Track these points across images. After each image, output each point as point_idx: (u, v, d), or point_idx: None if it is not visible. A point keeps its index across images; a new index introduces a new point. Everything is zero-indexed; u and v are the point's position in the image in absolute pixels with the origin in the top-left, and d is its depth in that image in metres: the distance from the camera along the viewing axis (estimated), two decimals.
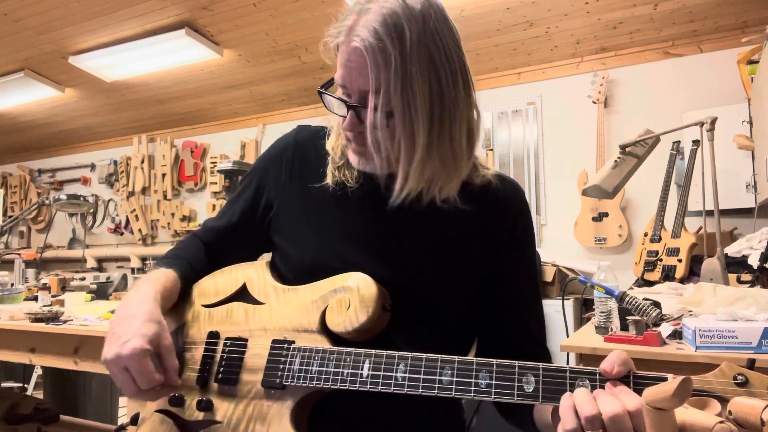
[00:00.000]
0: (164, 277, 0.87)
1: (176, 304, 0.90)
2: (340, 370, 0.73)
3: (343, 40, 0.78)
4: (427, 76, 0.76)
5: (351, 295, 0.78)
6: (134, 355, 0.72)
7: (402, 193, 0.80)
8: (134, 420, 0.88)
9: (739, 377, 0.53)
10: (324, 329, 0.79)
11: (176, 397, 0.83)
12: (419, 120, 0.76)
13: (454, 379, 0.66)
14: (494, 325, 0.91)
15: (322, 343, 0.78)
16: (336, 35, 0.80)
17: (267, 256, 1.01)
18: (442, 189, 0.82)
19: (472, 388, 0.65)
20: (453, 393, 0.66)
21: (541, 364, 0.63)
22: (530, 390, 0.62)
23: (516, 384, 0.63)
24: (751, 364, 0.54)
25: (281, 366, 0.78)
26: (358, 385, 0.71)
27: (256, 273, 0.90)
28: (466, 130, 0.82)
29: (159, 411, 0.85)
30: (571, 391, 0.61)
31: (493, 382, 0.64)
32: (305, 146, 0.96)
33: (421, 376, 0.68)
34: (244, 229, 0.98)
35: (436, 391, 0.67)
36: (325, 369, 0.74)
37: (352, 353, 0.73)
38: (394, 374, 0.69)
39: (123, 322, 0.76)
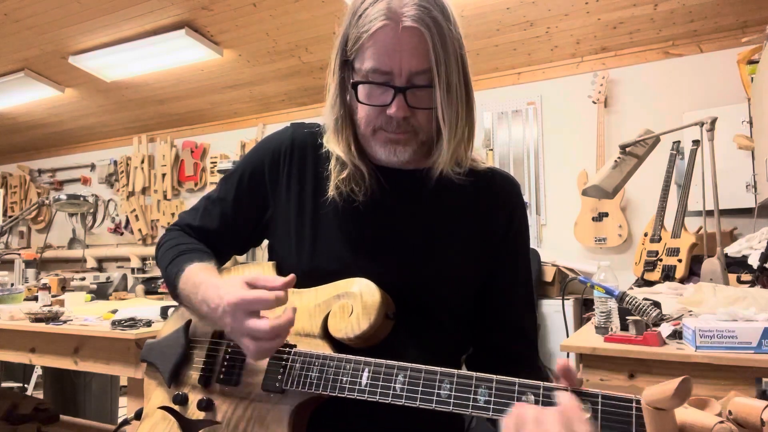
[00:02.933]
0: (214, 270, 0.86)
1: None
2: (339, 378, 0.73)
3: (385, 23, 0.76)
4: (462, 50, 0.82)
5: (354, 302, 0.77)
6: (236, 296, 0.70)
7: (438, 168, 0.84)
8: (138, 415, 0.88)
9: None
10: (326, 334, 0.79)
11: (179, 396, 0.83)
12: (467, 94, 0.82)
13: (453, 393, 0.66)
14: (488, 320, 0.91)
15: (324, 348, 0.77)
16: (371, 21, 0.77)
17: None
18: (458, 163, 0.86)
19: (470, 404, 0.65)
20: (451, 407, 0.65)
21: (542, 383, 0.62)
22: None
23: (515, 402, 0.62)
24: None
25: (281, 370, 0.77)
26: (356, 394, 0.71)
27: (262, 274, 0.90)
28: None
29: (161, 408, 0.85)
30: None
31: (492, 398, 0.64)
32: (303, 146, 0.93)
33: (420, 389, 0.67)
34: (236, 227, 0.95)
35: (433, 405, 0.67)
36: (324, 375, 0.74)
37: (351, 361, 0.73)
38: (392, 385, 0.69)
39: (207, 300, 0.76)
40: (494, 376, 0.65)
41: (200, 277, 0.81)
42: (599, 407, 0.59)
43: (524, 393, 0.62)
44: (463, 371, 0.67)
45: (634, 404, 0.57)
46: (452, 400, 0.65)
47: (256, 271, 0.91)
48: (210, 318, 0.77)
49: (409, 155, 0.83)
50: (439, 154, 0.83)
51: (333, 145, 0.88)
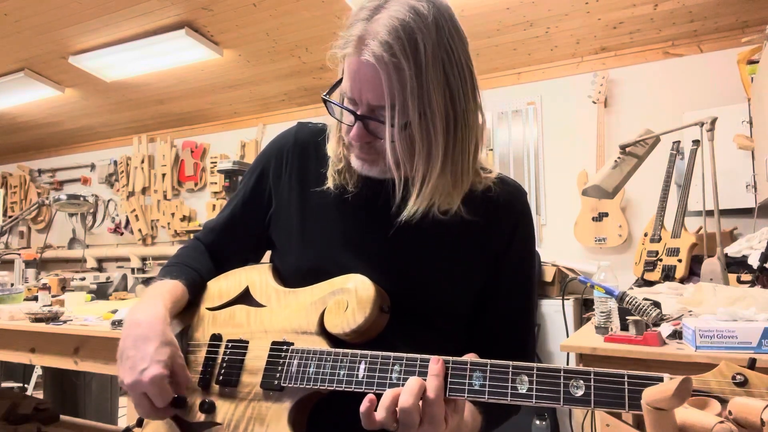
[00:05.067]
0: (172, 289, 0.86)
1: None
2: (337, 371, 0.73)
3: (352, 51, 0.75)
4: (442, 91, 0.74)
5: (349, 297, 0.78)
6: (153, 383, 0.73)
7: (412, 210, 0.78)
8: (140, 422, 0.88)
9: (738, 377, 0.53)
10: (323, 331, 0.79)
11: (179, 399, 0.83)
12: (436, 136, 0.75)
13: (449, 379, 0.66)
14: (486, 333, 0.90)
15: (321, 344, 0.78)
16: (343, 45, 0.76)
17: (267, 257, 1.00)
18: (442, 205, 0.80)
19: (466, 388, 0.65)
20: (447, 394, 0.66)
21: (535, 364, 0.63)
22: (524, 390, 0.63)
23: (510, 384, 0.63)
24: (752, 364, 0.53)
25: (280, 368, 0.78)
26: (354, 386, 0.71)
27: (259, 276, 0.91)
28: (475, 142, 0.81)
29: None
30: (566, 391, 0.61)
31: (487, 382, 0.65)
32: (305, 146, 0.94)
33: (416, 377, 0.67)
34: (245, 222, 0.97)
35: None
36: (321, 370, 0.74)
37: (348, 354, 0.73)
38: (389, 375, 0.70)
39: (136, 345, 0.76)
40: (488, 361, 0.65)
41: (149, 300, 0.83)
42: (591, 384, 0.59)
43: (518, 375, 0.63)
44: (457, 357, 0.67)
45: (626, 379, 0.58)
46: (447, 386, 0.66)
47: (252, 275, 0.90)
48: (123, 340, 0.78)
49: (379, 171, 0.82)
50: (412, 199, 0.78)
51: (329, 147, 0.89)
